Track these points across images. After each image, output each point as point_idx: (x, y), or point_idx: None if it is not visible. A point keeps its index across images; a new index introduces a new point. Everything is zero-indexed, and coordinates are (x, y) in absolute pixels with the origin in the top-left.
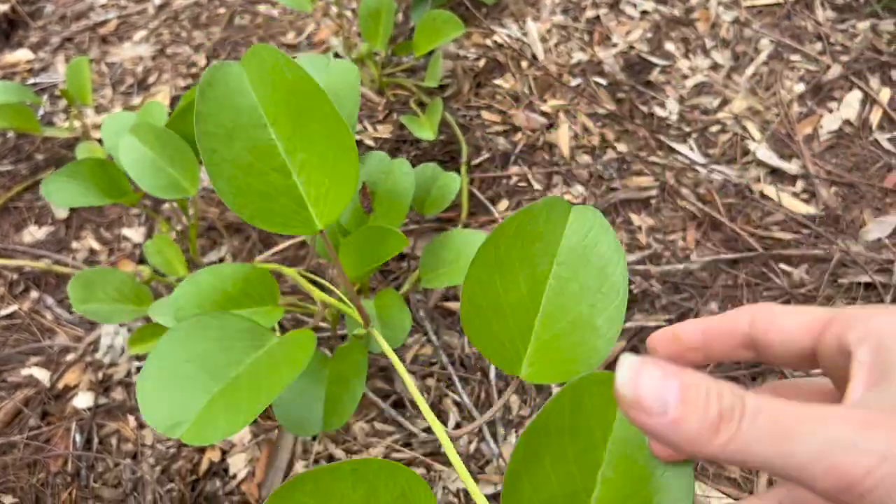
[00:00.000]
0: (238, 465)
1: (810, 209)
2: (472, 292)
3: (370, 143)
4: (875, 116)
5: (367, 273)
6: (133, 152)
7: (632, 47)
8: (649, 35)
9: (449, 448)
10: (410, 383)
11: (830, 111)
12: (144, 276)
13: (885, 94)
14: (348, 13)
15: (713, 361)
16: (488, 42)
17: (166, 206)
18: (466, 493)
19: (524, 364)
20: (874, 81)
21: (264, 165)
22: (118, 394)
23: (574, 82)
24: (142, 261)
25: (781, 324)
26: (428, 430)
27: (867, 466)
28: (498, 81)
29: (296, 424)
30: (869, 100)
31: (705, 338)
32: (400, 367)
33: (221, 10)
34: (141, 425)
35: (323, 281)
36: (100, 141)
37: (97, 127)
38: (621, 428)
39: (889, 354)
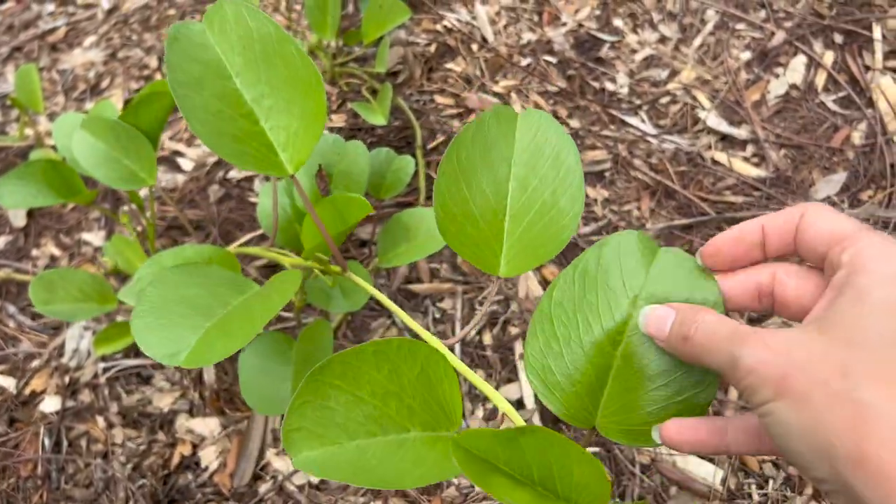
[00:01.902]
0: (209, 457)
1: (761, 172)
2: (444, 201)
3: (325, 132)
4: (820, 79)
5: (335, 238)
6: (86, 146)
7: (581, 25)
8: (597, 12)
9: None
10: (399, 311)
11: (777, 76)
12: (108, 267)
13: (828, 58)
14: (297, 6)
15: (771, 257)
16: (438, 27)
17: (125, 208)
18: None
19: (501, 263)
20: (818, 45)
21: (233, 112)
22: (85, 396)
23: (524, 62)
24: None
25: (817, 227)
26: None
27: (742, 377)
28: (449, 65)
29: (264, 404)
30: (813, 63)
31: (765, 234)
32: (386, 300)
33: (171, 11)
34: (110, 425)
35: (289, 253)
36: (54, 148)
37: (51, 134)
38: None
39: (855, 276)
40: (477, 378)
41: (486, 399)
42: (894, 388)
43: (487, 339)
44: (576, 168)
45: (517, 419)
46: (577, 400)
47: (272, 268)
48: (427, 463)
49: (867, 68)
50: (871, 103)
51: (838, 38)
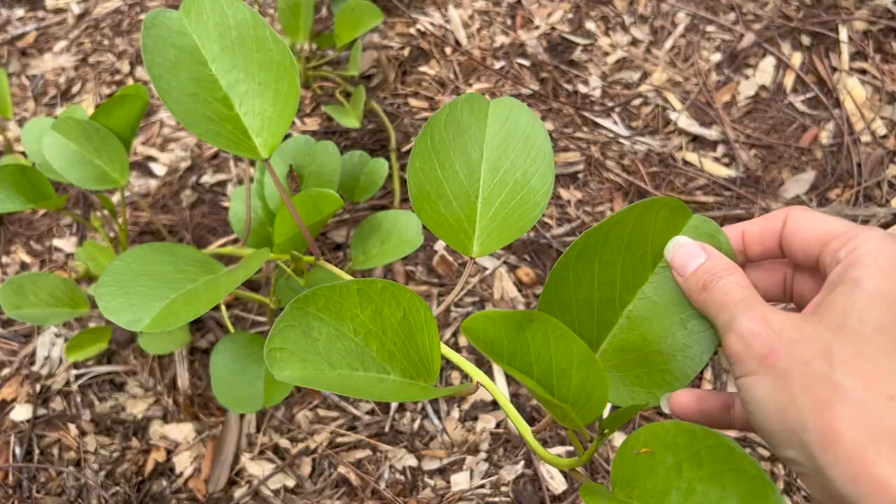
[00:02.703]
0: (184, 462)
1: (731, 172)
2: (418, 179)
3: (296, 134)
4: (788, 80)
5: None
6: (56, 147)
7: (553, 28)
8: (570, 16)
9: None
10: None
11: (747, 78)
12: (79, 272)
13: (796, 59)
14: (271, 10)
15: (752, 261)
16: (412, 31)
17: (97, 213)
18: (412, 470)
19: (474, 245)
20: (786, 47)
21: (208, 96)
22: (57, 404)
23: (498, 65)
24: (89, 275)
25: (805, 229)
26: (371, 412)
27: (733, 342)
28: (423, 68)
29: (237, 402)
30: (782, 65)
31: (745, 239)
32: (342, 274)
33: (143, 16)
34: (83, 433)
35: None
36: (24, 154)
37: (20, 140)
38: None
39: (851, 270)
40: (452, 352)
41: (461, 400)
42: (873, 375)
43: (463, 341)
44: (545, 148)
45: (491, 387)
46: None
47: None
48: (408, 393)
49: (834, 69)
50: (838, 104)
51: (806, 40)
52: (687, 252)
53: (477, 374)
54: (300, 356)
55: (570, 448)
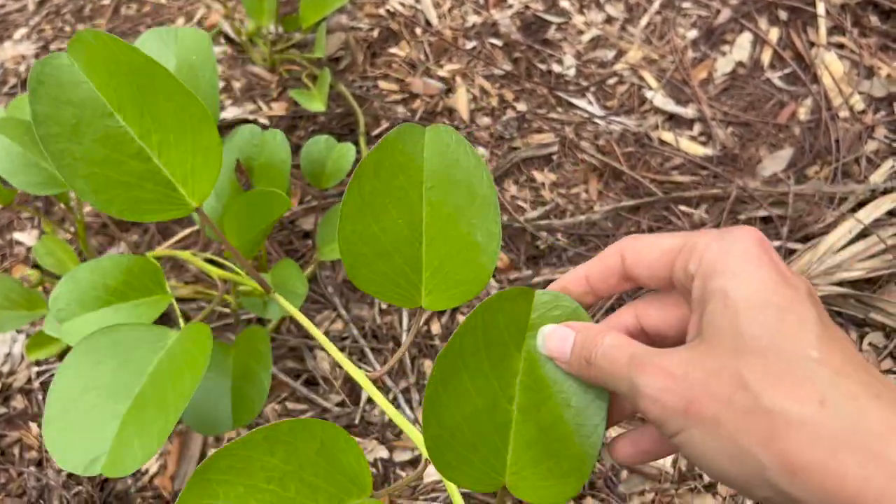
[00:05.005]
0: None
1: (708, 151)
2: (351, 245)
3: (265, 122)
4: (766, 56)
5: (255, 241)
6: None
7: (527, 7)
8: None
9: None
10: (318, 333)
11: (723, 54)
12: (32, 281)
13: (773, 34)
14: None
15: (604, 298)
16: (381, 11)
17: (58, 207)
18: (384, 462)
19: (423, 294)
20: (763, 22)
21: (121, 154)
22: (18, 402)
23: (470, 45)
24: (36, 265)
25: (645, 257)
26: (341, 404)
27: (647, 407)
28: (393, 50)
29: (204, 424)
30: (759, 40)
31: (590, 282)
32: (304, 321)
33: (106, 1)
34: None
35: (222, 259)
36: None
37: None
38: (534, 337)
39: (711, 282)
40: (387, 404)
41: None
42: (794, 387)
43: (435, 335)
44: (491, 198)
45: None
46: (482, 464)
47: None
48: None
49: (811, 44)
50: (815, 79)
51: (783, 15)
52: (557, 336)
53: (408, 430)
54: None
55: None
